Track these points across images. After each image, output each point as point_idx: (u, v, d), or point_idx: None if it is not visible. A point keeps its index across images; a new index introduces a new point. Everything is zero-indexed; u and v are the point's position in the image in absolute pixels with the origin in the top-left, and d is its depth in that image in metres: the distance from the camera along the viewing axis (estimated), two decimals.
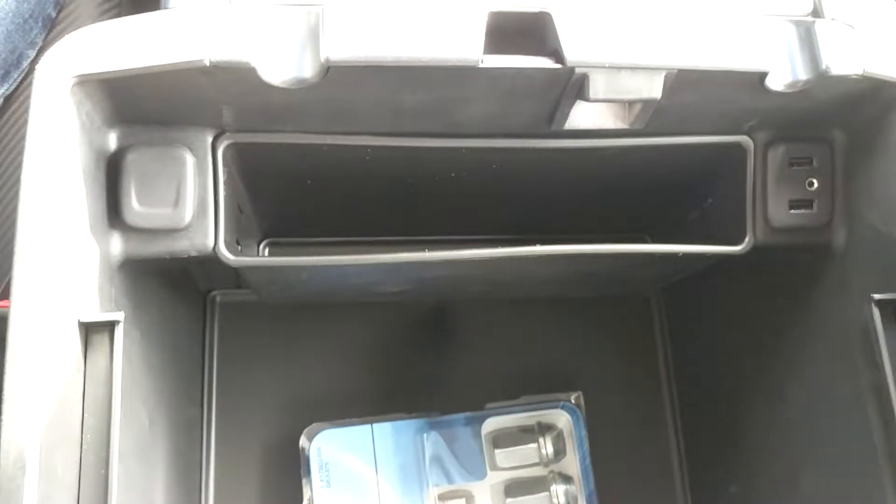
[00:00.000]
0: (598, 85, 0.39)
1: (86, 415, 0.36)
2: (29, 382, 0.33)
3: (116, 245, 0.42)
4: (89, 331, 0.37)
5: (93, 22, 0.39)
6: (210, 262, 0.44)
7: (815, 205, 0.48)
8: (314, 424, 0.59)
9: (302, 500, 0.58)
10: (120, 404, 0.36)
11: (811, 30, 0.42)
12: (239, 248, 0.48)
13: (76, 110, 0.37)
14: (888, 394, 0.42)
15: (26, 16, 0.52)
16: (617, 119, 0.45)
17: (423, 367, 0.64)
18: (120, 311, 0.40)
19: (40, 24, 0.53)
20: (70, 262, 0.37)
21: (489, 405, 0.61)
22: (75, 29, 0.38)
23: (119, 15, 0.53)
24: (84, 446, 0.36)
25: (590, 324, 0.66)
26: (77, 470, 0.35)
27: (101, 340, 0.37)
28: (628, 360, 0.66)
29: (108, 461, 0.36)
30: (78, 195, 0.38)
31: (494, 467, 0.60)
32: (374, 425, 0.60)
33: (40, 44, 0.54)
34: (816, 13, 0.44)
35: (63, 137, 0.37)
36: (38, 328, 0.34)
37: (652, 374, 0.66)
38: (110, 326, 0.37)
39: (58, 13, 0.54)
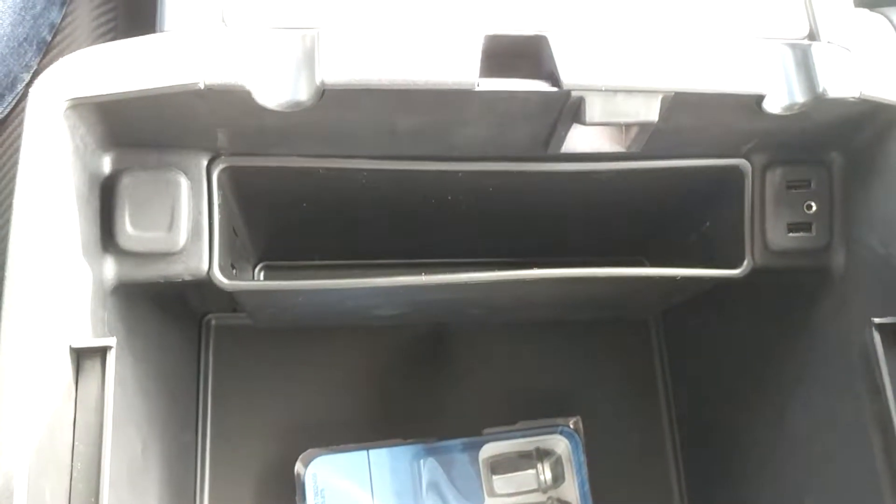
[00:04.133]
0: (595, 108, 0.39)
1: (76, 442, 0.36)
2: (18, 409, 0.33)
3: (110, 269, 0.41)
4: (81, 357, 0.37)
5: (88, 45, 0.39)
6: (205, 285, 0.43)
7: (813, 227, 0.47)
8: (310, 450, 0.58)
9: None
10: (111, 431, 0.36)
11: (808, 52, 0.42)
12: (234, 271, 0.47)
13: (70, 134, 0.37)
14: (890, 418, 0.42)
15: (21, 39, 0.52)
16: (614, 142, 0.45)
17: (420, 391, 0.63)
18: (113, 335, 0.40)
19: (35, 47, 0.53)
20: (62, 286, 0.37)
21: (487, 430, 0.61)
22: (71, 52, 0.38)
23: (115, 38, 0.53)
24: (74, 474, 0.35)
25: (588, 347, 0.66)
26: (66, 498, 0.35)
27: (92, 366, 0.37)
28: (627, 384, 0.66)
29: (99, 490, 0.35)
30: (71, 219, 0.38)
31: (492, 494, 0.59)
32: (371, 451, 0.59)
33: (35, 67, 0.54)
34: (812, 36, 0.44)
35: (56, 161, 0.36)
36: (28, 354, 0.34)
37: (651, 399, 0.66)
38: (102, 352, 0.37)
39: (53, 36, 0.54)
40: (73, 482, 0.35)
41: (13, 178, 0.36)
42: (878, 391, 0.43)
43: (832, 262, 0.48)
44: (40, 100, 0.36)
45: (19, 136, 0.36)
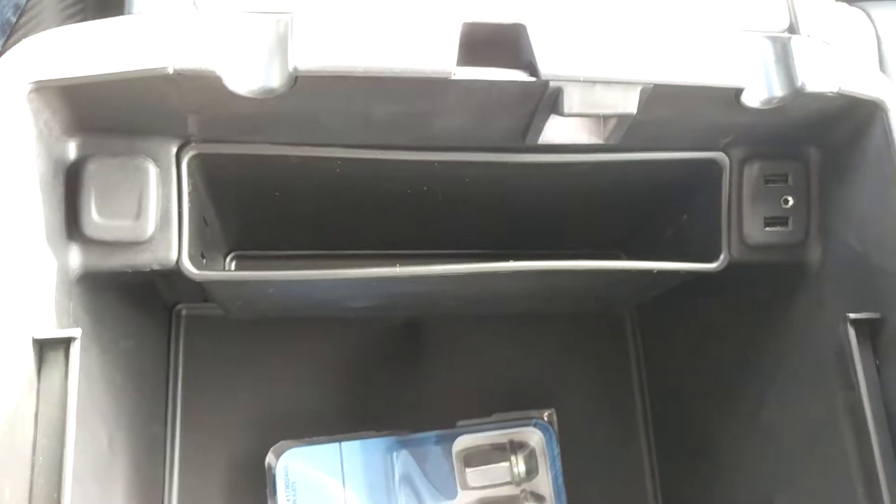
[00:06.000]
0: (573, 99, 0.39)
1: (38, 436, 0.35)
2: None
3: (75, 258, 0.40)
4: (44, 348, 0.36)
5: (56, 27, 0.38)
6: (174, 275, 0.42)
7: (790, 222, 0.47)
8: (281, 442, 0.58)
9: None
10: (75, 424, 0.35)
11: (787, 46, 0.42)
12: (204, 261, 0.47)
13: (33, 118, 0.36)
14: (863, 414, 0.42)
15: None
16: (591, 134, 0.44)
17: (394, 383, 0.63)
18: (78, 326, 0.39)
19: None
20: (24, 275, 0.36)
21: (460, 423, 0.60)
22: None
23: (84, 20, 0.52)
24: (35, 469, 0.34)
25: (563, 340, 0.65)
26: (27, 494, 0.34)
27: (56, 358, 0.36)
28: (601, 377, 0.66)
29: (61, 484, 0.34)
30: (34, 206, 0.37)
31: (465, 486, 0.59)
32: (343, 443, 0.58)
33: None
34: (792, 29, 0.44)
35: (19, 146, 0.35)
36: None
37: (625, 392, 0.66)
38: (66, 343, 0.36)
39: (18, 18, 0.53)
40: (34, 477, 0.34)
41: None
42: (851, 386, 0.43)
43: (808, 258, 0.48)
44: (2, 82, 0.35)
45: None
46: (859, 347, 0.43)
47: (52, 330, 0.37)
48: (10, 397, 0.34)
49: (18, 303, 0.35)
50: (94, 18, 0.38)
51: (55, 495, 0.34)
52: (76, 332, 0.36)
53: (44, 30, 0.43)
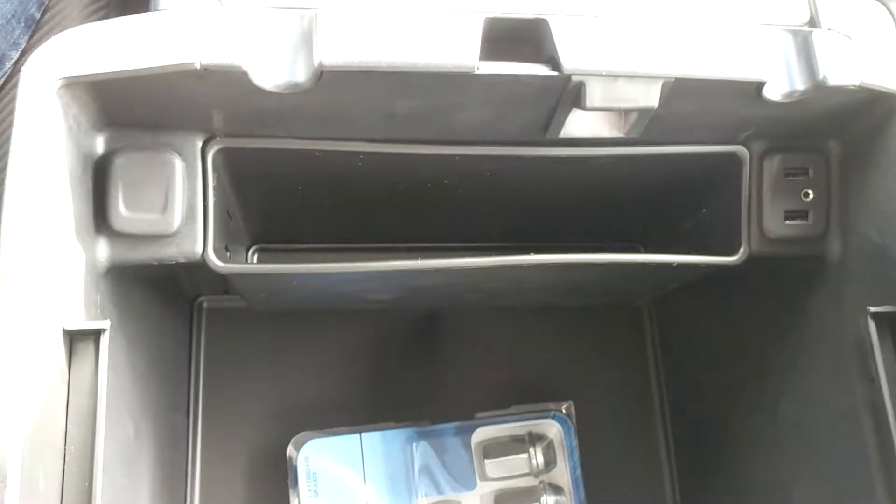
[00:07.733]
0: (595, 93, 0.39)
1: (69, 425, 0.35)
2: (10, 392, 0.33)
3: (103, 251, 0.41)
4: (74, 339, 0.37)
5: (79, 24, 0.38)
6: (198, 268, 0.43)
7: (810, 215, 0.47)
8: (302, 433, 0.58)
9: None
10: (105, 414, 0.36)
11: (808, 39, 0.42)
12: (228, 254, 0.47)
13: (63, 113, 0.36)
14: (883, 407, 0.42)
15: (8, 16, 0.51)
16: (612, 127, 0.44)
17: (413, 375, 0.63)
18: (106, 318, 0.39)
19: (23, 24, 0.52)
20: (55, 268, 0.36)
21: (479, 414, 0.61)
22: (60, 30, 0.37)
23: (107, 17, 0.52)
24: (67, 458, 0.35)
25: (581, 333, 0.66)
26: (60, 482, 0.34)
27: (86, 349, 0.37)
28: (620, 369, 0.66)
29: (92, 473, 0.35)
30: (64, 200, 0.37)
31: (484, 478, 0.59)
32: (363, 434, 0.59)
33: (24, 45, 0.53)
34: (813, 23, 0.44)
35: (49, 141, 0.36)
36: (20, 336, 0.33)
37: (643, 385, 0.66)
38: (96, 335, 0.37)
39: (42, 14, 0.53)
40: (66, 466, 0.35)
41: (4, 156, 0.35)
42: (871, 379, 0.43)
43: (828, 251, 0.48)
44: (32, 78, 0.36)
45: (9, 114, 0.36)
46: (880, 340, 0.43)
47: (81, 321, 0.38)
48: (43, 388, 0.34)
49: (49, 295, 0.36)
50: (117, 15, 0.38)
51: (86, 484, 0.35)
52: (105, 324, 0.37)
53: (68, 26, 0.43)
